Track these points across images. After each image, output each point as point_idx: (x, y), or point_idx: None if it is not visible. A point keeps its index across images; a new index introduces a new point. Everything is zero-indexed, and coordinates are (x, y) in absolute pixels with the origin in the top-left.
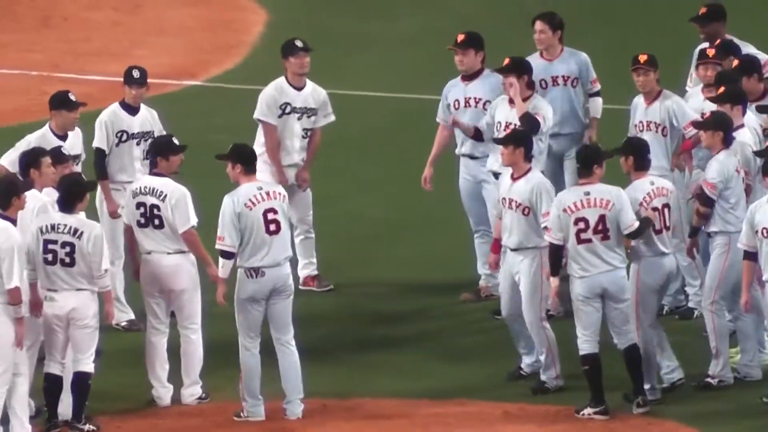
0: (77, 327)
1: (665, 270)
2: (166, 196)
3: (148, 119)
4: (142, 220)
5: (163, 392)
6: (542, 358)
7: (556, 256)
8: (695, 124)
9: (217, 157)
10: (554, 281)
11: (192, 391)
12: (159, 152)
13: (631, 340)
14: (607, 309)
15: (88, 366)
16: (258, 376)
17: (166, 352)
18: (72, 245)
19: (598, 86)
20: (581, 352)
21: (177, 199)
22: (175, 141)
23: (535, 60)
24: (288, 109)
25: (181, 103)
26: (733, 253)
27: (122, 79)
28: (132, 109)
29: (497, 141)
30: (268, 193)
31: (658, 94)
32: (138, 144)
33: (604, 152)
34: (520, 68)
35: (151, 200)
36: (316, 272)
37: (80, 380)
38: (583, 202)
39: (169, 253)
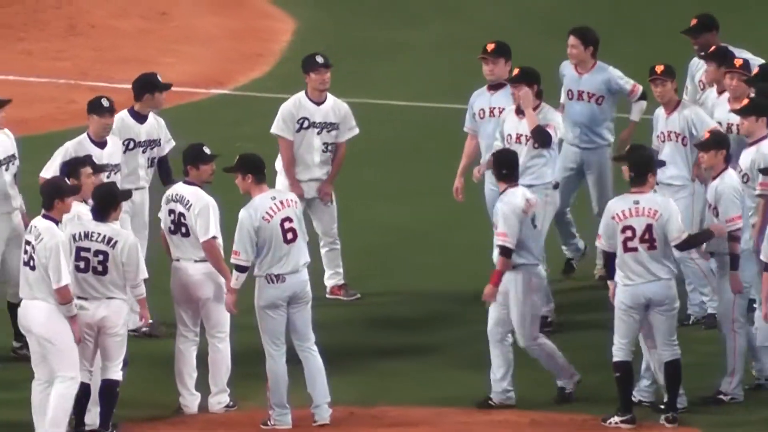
0: (107, 335)
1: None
2: (191, 205)
3: (155, 127)
4: (172, 227)
5: (191, 400)
6: (552, 369)
7: (609, 263)
8: (696, 145)
9: (225, 170)
10: (611, 284)
11: (219, 399)
12: (189, 161)
13: (676, 354)
14: (653, 319)
15: (117, 374)
16: (285, 384)
17: (194, 360)
18: (105, 254)
19: (638, 92)
20: (615, 359)
21: (200, 209)
22: (206, 150)
23: (569, 69)
24: (306, 124)
25: (208, 112)
26: (741, 271)
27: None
28: (140, 117)
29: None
30: (282, 202)
31: (677, 104)
32: (144, 152)
33: (655, 161)
34: (530, 78)
35: (179, 208)
36: (342, 281)
37: (108, 388)
38: (632, 211)
39: (195, 261)
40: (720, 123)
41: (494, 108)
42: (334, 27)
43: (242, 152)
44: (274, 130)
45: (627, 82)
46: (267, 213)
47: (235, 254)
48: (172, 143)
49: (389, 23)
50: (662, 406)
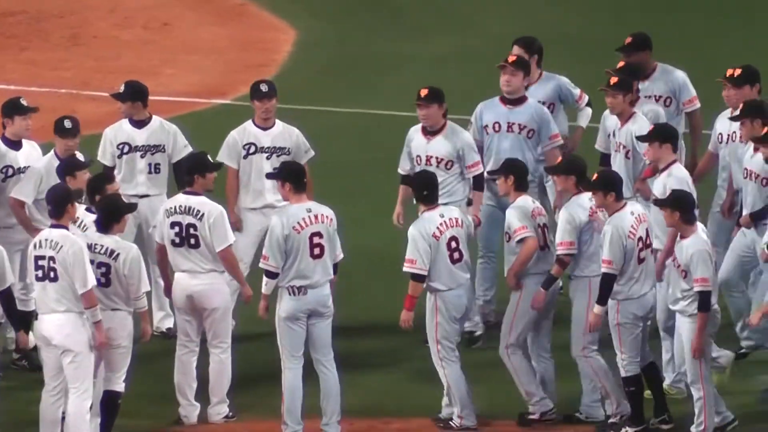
0: (111, 347)
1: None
2: (203, 215)
3: (157, 133)
4: (177, 240)
5: (191, 410)
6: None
7: (611, 287)
8: (639, 138)
9: (267, 175)
10: (601, 309)
11: (219, 410)
12: (196, 170)
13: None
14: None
15: (120, 386)
16: (300, 399)
17: (195, 371)
18: (108, 266)
19: (585, 99)
20: (628, 374)
21: (215, 218)
22: (209, 158)
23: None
24: (253, 149)
25: (211, 122)
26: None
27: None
28: (138, 122)
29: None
30: (316, 216)
31: (629, 116)
32: (142, 157)
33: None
34: (440, 98)
35: (187, 219)
36: None
37: (111, 399)
38: (639, 220)
39: (202, 272)
40: (721, 135)
41: (513, 123)
42: (336, 38)
43: (284, 161)
44: (219, 157)
45: (576, 88)
46: (298, 224)
47: (264, 259)
48: (189, 149)
49: (393, 35)
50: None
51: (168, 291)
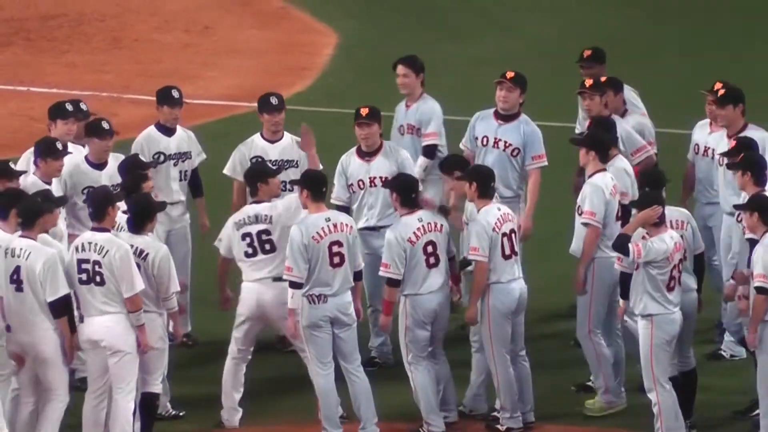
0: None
1: (515, 296)
2: (274, 219)
3: (185, 140)
4: (250, 250)
5: (233, 414)
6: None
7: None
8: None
9: (291, 182)
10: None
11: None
12: (259, 177)
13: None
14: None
15: (157, 387)
16: (335, 402)
17: (243, 377)
18: (138, 266)
19: (428, 139)
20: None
21: (284, 223)
22: (269, 165)
23: (401, 106)
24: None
25: (251, 125)
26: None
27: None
28: (167, 130)
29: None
30: (335, 225)
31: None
32: (175, 165)
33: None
34: (378, 117)
35: (258, 227)
36: None
37: (149, 401)
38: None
39: (274, 280)
40: (698, 145)
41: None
42: (376, 41)
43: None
44: (226, 170)
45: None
46: (317, 233)
47: (287, 270)
48: (203, 156)
49: (432, 37)
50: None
51: (225, 303)
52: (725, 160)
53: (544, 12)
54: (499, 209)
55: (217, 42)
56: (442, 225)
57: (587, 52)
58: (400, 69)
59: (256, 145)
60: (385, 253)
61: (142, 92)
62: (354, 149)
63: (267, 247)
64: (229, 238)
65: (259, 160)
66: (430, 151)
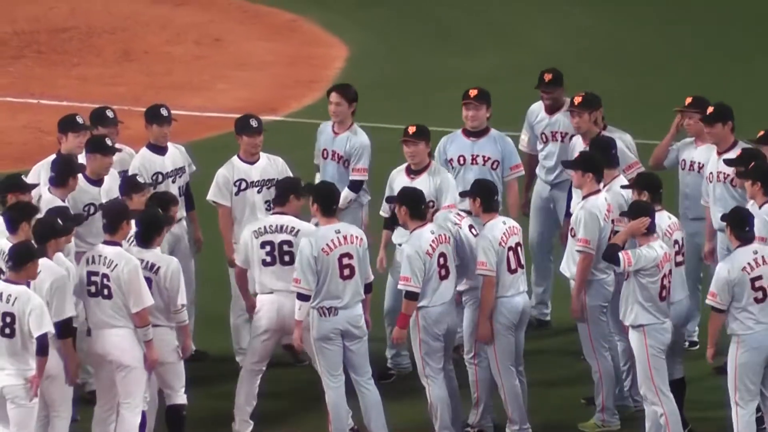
0: (160, 364)
1: (518, 309)
2: (299, 231)
3: (178, 155)
4: (269, 259)
5: (244, 426)
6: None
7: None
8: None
9: (303, 188)
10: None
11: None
12: (293, 191)
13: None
14: None
15: (181, 398)
16: (346, 415)
17: (257, 389)
18: (149, 280)
19: (359, 176)
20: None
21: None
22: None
23: (327, 127)
24: (244, 185)
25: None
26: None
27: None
28: (160, 149)
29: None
30: (345, 237)
31: (598, 134)
32: (173, 182)
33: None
34: (426, 135)
35: (280, 237)
36: None
37: (176, 413)
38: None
39: (292, 291)
40: (684, 161)
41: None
42: (386, 54)
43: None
44: (210, 197)
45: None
46: (327, 245)
47: (295, 282)
48: (193, 167)
49: (443, 51)
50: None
51: (251, 309)
52: (717, 177)
53: (552, 26)
54: (505, 222)
55: (228, 54)
56: (450, 237)
57: (548, 76)
58: (334, 97)
59: (237, 167)
60: (406, 266)
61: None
62: (404, 165)
63: (287, 258)
64: (246, 248)
65: (243, 181)
66: (357, 186)
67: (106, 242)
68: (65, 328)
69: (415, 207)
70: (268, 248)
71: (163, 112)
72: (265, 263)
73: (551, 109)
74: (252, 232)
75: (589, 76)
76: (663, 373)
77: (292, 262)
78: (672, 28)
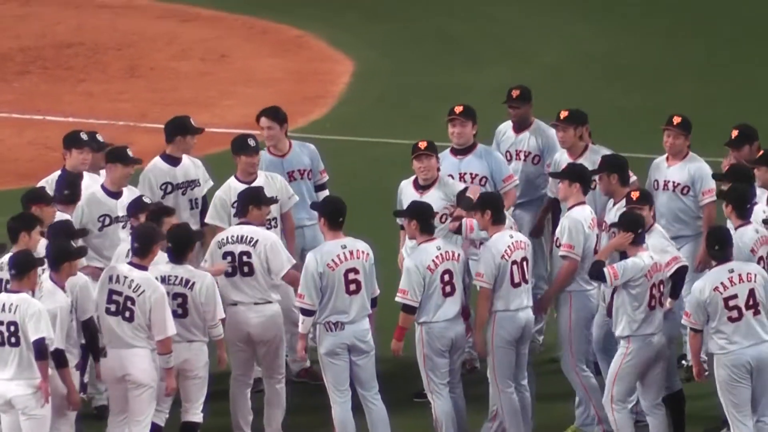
0: (188, 378)
1: (520, 324)
2: (257, 241)
3: (191, 168)
4: (230, 269)
5: None
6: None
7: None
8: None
9: (312, 206)
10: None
11: None
12: (251, 201)
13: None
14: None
15: (197, 416)
16: (352, 430)
17: (249, 402)
18: (184, 296)
19: (325, 177)
20: None
21: (270, 244)
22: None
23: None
24: None
25: None
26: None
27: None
28: (174, 160)
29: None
30: (351, 252)
31: (584, 149)
32: (183, 194)
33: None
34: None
35: (240, 248)
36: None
37: (189, 430)
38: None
39: (256, 304)
40: (657, 181)
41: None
42: (393, 69)
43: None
44: (208, 219)
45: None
46: (333, 261)
47: (299, 297)
48: (210, 183)
49: (448, 66)
50: None
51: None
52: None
53: (559, 40)
54: (512, 236)
55: (234, 70)
56: (459, 254)
57: (515, 92)
58: (264, 122)
59: (234, 189)
60: (404, 279)
61: (159, 121)
62: (411, 178)
63: (245, 269)
64: (212, 256)
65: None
66: (324, 186)
67: (133, 264)
68: (61, 358)
69: (425, 221)
70: (229, 258)
71: (192, 121)
72: (227, 274)
73: (518, 128)
74: (216, 242)
75: (594, 89)
76: (627, 388)
77: (251, 273)
78: (677, 42)
